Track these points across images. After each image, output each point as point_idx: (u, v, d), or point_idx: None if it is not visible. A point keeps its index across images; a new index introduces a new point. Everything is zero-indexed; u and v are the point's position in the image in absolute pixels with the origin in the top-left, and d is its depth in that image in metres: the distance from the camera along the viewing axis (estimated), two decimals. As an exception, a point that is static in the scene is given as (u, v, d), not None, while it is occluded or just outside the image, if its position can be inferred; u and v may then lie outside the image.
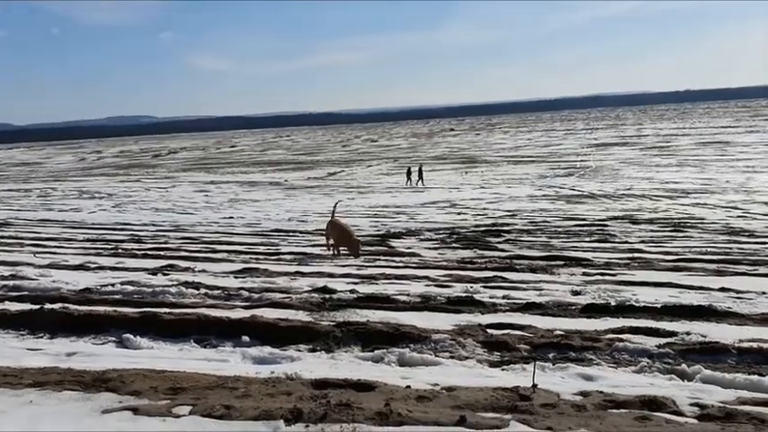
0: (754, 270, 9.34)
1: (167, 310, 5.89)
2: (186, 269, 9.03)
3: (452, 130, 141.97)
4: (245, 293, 7.02)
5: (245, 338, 5.00)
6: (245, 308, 6.11)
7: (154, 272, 8.66)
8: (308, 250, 11.88)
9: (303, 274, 8.48)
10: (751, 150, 53.31)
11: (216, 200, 31.64)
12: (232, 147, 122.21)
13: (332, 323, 5.23)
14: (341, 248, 11.35)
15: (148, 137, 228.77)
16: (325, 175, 51.75)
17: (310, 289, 7.18)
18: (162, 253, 11.16)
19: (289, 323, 5.19)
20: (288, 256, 10.91)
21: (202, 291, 7.16)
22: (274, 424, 3.17)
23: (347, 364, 4.31)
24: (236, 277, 8.32)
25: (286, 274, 8.53)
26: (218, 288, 7.33)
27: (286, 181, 46.47)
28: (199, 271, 8.95)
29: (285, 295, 6.88)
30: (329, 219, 12.00)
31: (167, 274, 8.39)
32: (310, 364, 4.29)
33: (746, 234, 14.94)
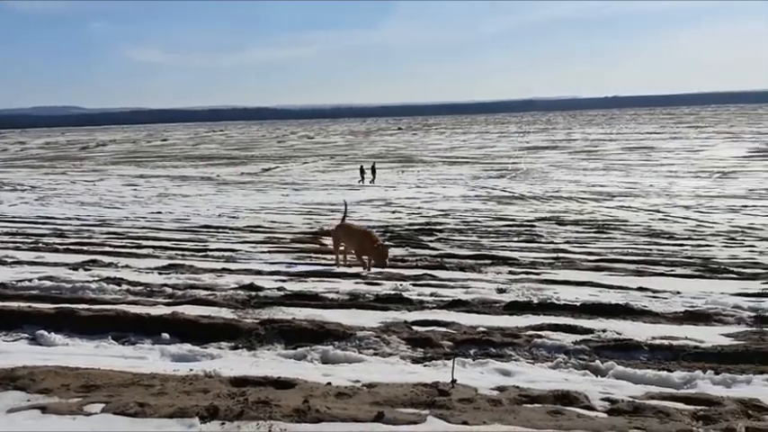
0: (671, 271, 9.74)
1: (86, 306, 5.70)
2: (109, 265, 8.76)
3: (400, 129, 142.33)
4: (169, 290, 6.86)
5: (165, 336, 4.88)
6: (168, 305, 5.97)
7: (75, 267, 8.35)
8: (238, 247, 11.70)
9: (230, 271, 8.35)
10: (674, 156, 55.59)
11: (144, 194, 30.84)
12: (164, 140, 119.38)
13: (256, 321, 5.16)
14: (363, 258, 9.65)
15: (77, 129, 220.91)
16: (259, 171, 51.15)
17: (236, 286, 7.08)
18: (85, 248, 10.79)
19: (211, 320, 5.10)
20: (216, 253, 10.72)
21: (124, 287, 6.96)
22: (189, 421, 3.11)
23: (269, 362, 4.26)
24: (160, 273, 8.12)
25: (212, 270, 8.38)
26: (140, 284, 7.13)
27: (218, 176, 45.71)
28: (122, 267, 8.70)
29: (210, 292, 6.76)
30: (338, 223, 10.53)
31: (89, 270, 8.12)
32: (231, 362, 4.22)
33: (666, 236, 15.56)
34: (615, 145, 72.77)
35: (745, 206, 24.17)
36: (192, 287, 7.16)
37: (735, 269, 10.04)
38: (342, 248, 9.99)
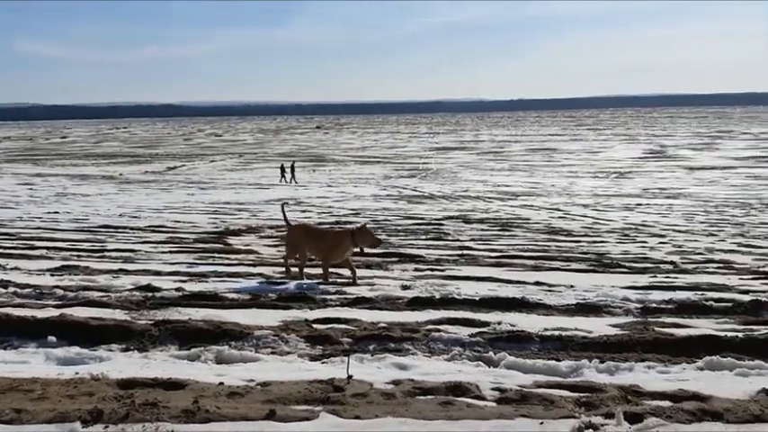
0: (567, 266, 10.15)
1: (-36, 310, 5.35)
2: (-4, 267, 8.28)
3: (319, 127, 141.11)
4: (60, 292, 6.57)
5: (52, 339, 4.66)
6: (57, 307, 5.71)
7: (-43, 270, 7.85)
8: (137, 247, 11.30)
9: (127, 272, 8.06)
10: (574, 157, 57.95)
11: (41, 194, 29.30)
12: (63, 138, 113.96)
13: (150, 322, 5.01)
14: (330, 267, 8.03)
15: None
16: (164, 170, 49.63)
17: (133, 287, 6.86)
18: (-30, 250, 10.15)
19: (101, 322, 4.91)
20: (114, 254, 10.33)
21: (11, 289, 6.64)
22: (69, 426, 2.97)
23: (160, 363, 4.14)
24: (52, 275, 7.77)
25: (109, 271, 8.08)
26: (29, 286, 6.81)
27: (121, 175, 44.03)
28: (11, 269, 8.27)
29: (104, 294, 6.51)
30: (291, 225, 8.61)
31: (-28, 273, 7.65)
32: (120, 364, 4.08)
33: (564, 233, 16.19)
34: (520, 146, 75.13)
35: (639, 204, 25.48)
36: (86, 289, 6.89)
37: (626, 264, 10.57)
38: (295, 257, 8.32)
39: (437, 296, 6.72)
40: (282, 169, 40.50)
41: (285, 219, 8.73)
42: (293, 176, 39.71)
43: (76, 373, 3.82)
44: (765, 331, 5.18)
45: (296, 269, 8.29)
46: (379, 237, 8.65)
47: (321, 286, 7.48)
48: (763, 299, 6.73)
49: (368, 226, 8.24)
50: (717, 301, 6.76)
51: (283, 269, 8.47)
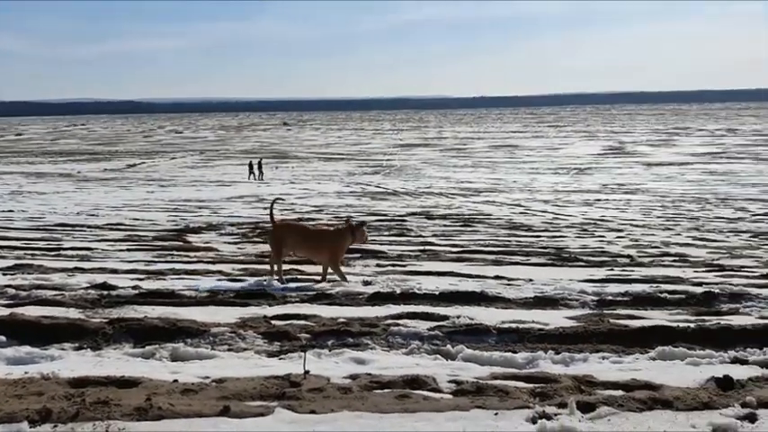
0: (527, 260, 10.27)
1: None
2: (-58, 267, 8.03)
3: (285, 124, 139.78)
4: (12, 291, 6.41)
5: (2, 338, 4.53)
6: (8, 306, 5.56)
7: None
8: (94, 245, 11.09)
9: (83, 270, 7.90)
10: (536, 154, 58.65)
11: (-6, 192, 28.56)
12: (18, 135, 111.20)
13: (104, 320, 4.91)
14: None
15: None
16: (124, 167, 48.80)
17: (88, 285, 6.73)
18: None
19: (53, 321, 4.80)
20: (70, 252, 10.11)
21: (-40, 290, 6.42)
22: (16, 426, 2.90)
23: (114, 362, 4.06)
24: (4, 274, 7.57)
25: (64, 270, 7.90)
26: (-21, 286, 6.60)
27: (79, 172, 43.16)
28: (-40, 269, 8.02)
29: (58, 292, 6.37)
30: (276, 222, 8.01)
31: None
32: (72, 363, 3.99)
33: (525, 228, 16.39)
34: (483, 143, 75.72)
35: (599, 200, 25.91)
36: (39, 287, 6.73)
37: (584, 258, 10.74)
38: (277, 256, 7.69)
39: (398, 291, 6.72)
40: (251, 166, 40.17)
41: (272, 217, 8.06)
42: (261, 173, 39.44)
43: (26, 373, 3.73)
44: (717, 321, 5.31)
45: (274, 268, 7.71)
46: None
47: (276, 283, 7.38)
48: (716, 290, 6.90)
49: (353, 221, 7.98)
50: (671, 293, 6.89)
51: (242, 266, 8.28)
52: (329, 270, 7.64)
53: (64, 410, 3.04)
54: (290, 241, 7.67)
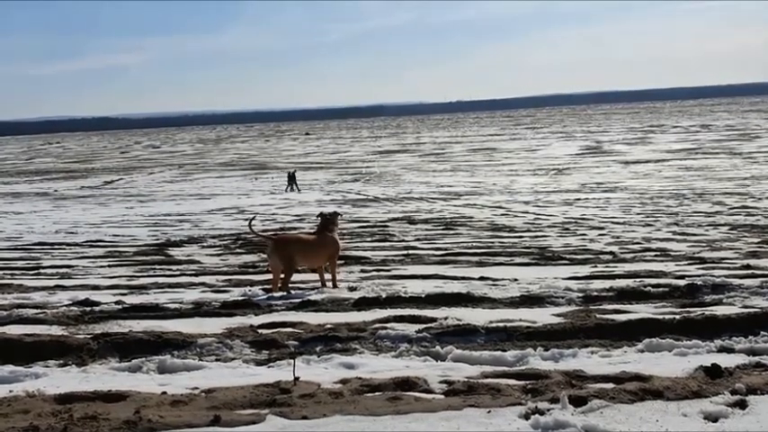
0: (510, 260, 10.30)
1: None
2: None
3: (308, 134, 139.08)
4: (-8, 311, 6.29)
5: (-17, 359, 4.46)
6: (-11, 326, 5.47)
7: None
8: (75, 263, 10.95)
9: (64, 288, 7.81)
10: (514, 156, 58.85)
11: (-31, 214, 28.11)
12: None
13: (88, 336, 4.85)
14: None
15: None
16: (101, 184, 48.26)
17: (70, 302, 6.64)
18: None
19: (36, 338, 4.73)
20: (50, 270, 9.98)
21: (-62, 313, 6.30)
22: (3, 446, 2.85)
23: (100, 377, 4.01)
24: (-18, 295, 7.43)
25: (44, 288, 7.80)
26: (-43, 308, 6.48)
27: (55, 191, 42.61)
28: (-63, 292, 7.86)
29: (40, 310, 6.29)
30: (274, 239, 7.79)
31: None
32: (58, 380, 3.93)
33: (507, 229, 16.42)
34: (461, 147, 75.87)
35: (578, 199, 26.03)
36: (20, 306, 6.65)
37: (567, 256, 10.79)
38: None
39: (384, 295, 6.72)
40: (290, 177, 39.38)
41: (262, 235, 8.15)
42: (295, 184, 38.55)
43: (10, 391, 3.67)
44: (701, 312, 5.37)
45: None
46: None
47: (266, 292, 7.34)
48: (698, 282, 6.97)
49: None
50: (654, 286, 6.95)
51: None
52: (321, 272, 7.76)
53: (51, 427, 2.99)
54: (299, 257, 7.53)
